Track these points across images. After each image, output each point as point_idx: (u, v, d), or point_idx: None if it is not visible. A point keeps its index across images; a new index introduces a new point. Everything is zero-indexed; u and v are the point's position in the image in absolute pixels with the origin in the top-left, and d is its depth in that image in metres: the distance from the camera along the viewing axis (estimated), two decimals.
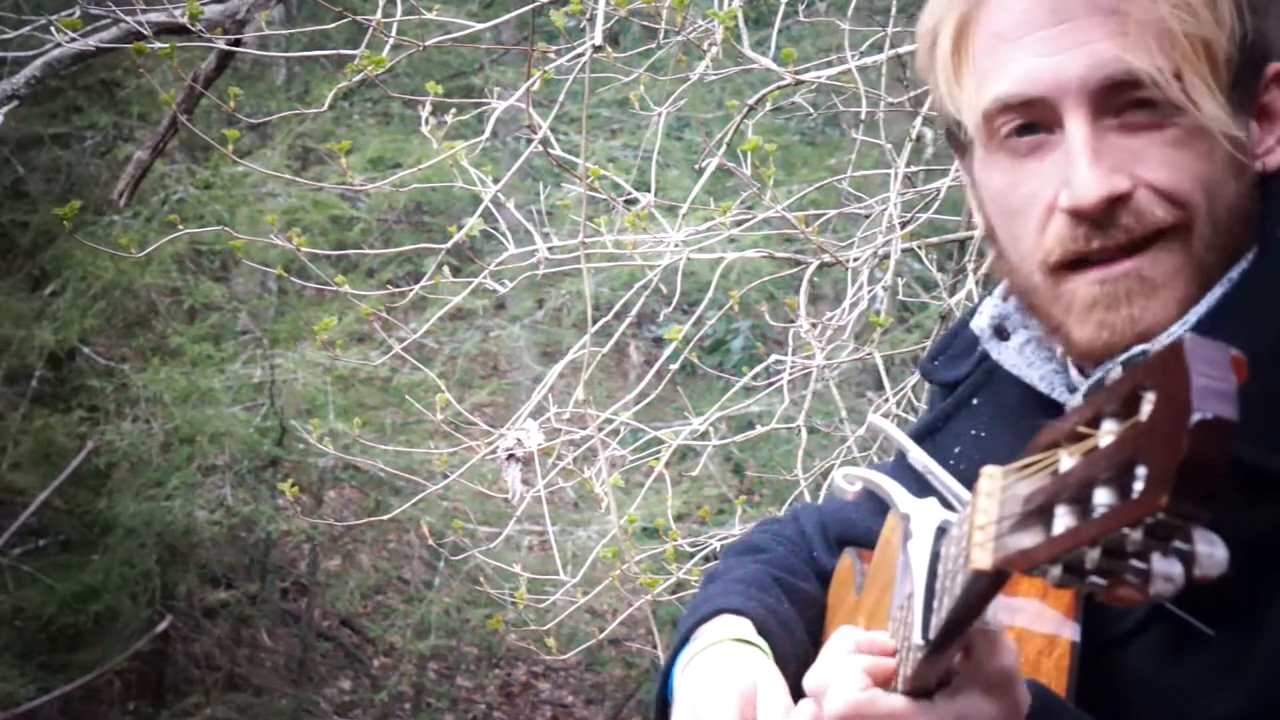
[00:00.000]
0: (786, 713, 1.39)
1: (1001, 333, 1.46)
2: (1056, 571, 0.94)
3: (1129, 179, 1.27)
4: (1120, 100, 1.27)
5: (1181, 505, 0.85)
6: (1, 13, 4.24)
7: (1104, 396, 0.93)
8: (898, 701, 1.15)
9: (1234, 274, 1.32)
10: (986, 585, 1.05)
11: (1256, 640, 1.21)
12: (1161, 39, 1.25)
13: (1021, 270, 1.35)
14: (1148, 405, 0.88)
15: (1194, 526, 0.88)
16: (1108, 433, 0.91)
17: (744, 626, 1.52)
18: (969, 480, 1.09)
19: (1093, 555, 0.91)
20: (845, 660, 1.19)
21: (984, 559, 1.02)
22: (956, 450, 1.47)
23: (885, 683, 1.18)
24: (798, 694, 1.31)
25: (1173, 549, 0.89)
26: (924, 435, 1.53)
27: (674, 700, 1.50)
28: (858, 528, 1.59)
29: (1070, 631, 1.27)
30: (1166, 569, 0.89)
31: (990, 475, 1.05)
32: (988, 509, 1.03)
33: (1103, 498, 0.90)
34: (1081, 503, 0.92)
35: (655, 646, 3.82)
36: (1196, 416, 0.84)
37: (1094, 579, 0.92)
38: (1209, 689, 1.22)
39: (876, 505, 1.30)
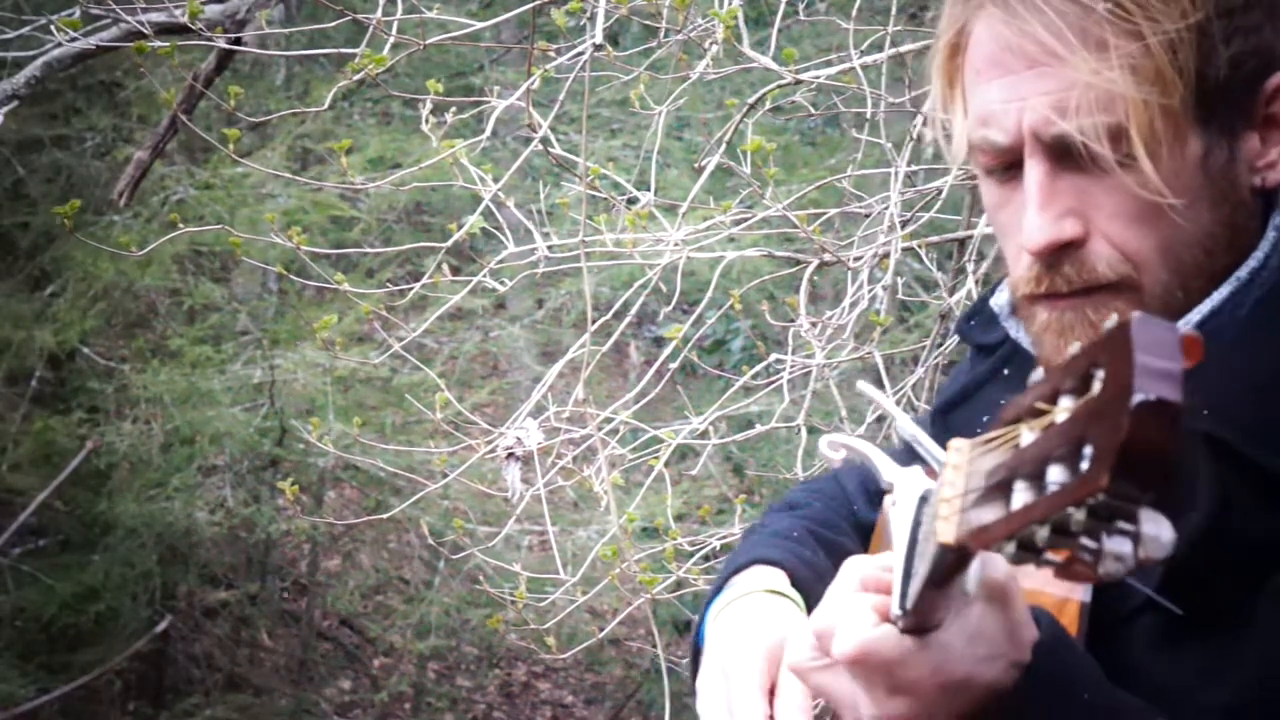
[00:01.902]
0: None
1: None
2: (1011, 548, 0.94)
3: (1082, 224, 1.28)
4: (1075, 149, 1.27)
5: (1122, 486, 0.85)
6: (1, 13, 4.24)
7: (1061, 372, 0.93)
8: (907, 639, 1.13)
9: (1243, 273, 1.32)
10: (953, 559, 1.05)
11: (1249, 637, 1.21)
12: (1107, 97, 1.24)
13: (1010, 280, 1.39)
14: (1098, 383, 0.88)
15: (1139, 507, 0.88)
16: (1063, 409, 0.92)
17: (778, 578, 1.53)
18: None
19: (1042, 533, 0.91)
20: (852, 599, 1.19)
21: (948, 532, 1.02)
22: (985, 419, 1.47)
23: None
24: None
25: (1118, 529, 0.89)
26: (958, 401, 1.54)
27: (704, 649, 1.51)
28: None
29: (1081, 593, 1.27)
30: (1116, 548, 0.89)
31: (957, 448, 1.05)
32: (954, 482, 1.03)
33: (1055, 475, 0.90)
34: (1037, 479, 0.92)
35: (655, 646, 3.82)
36: (1138, 398, 0.84)
37: (1048, 556, 0.92)
38: (1199, 679, 1.23)
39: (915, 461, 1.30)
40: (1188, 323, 1.30)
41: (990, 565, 1.12)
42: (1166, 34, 1.24)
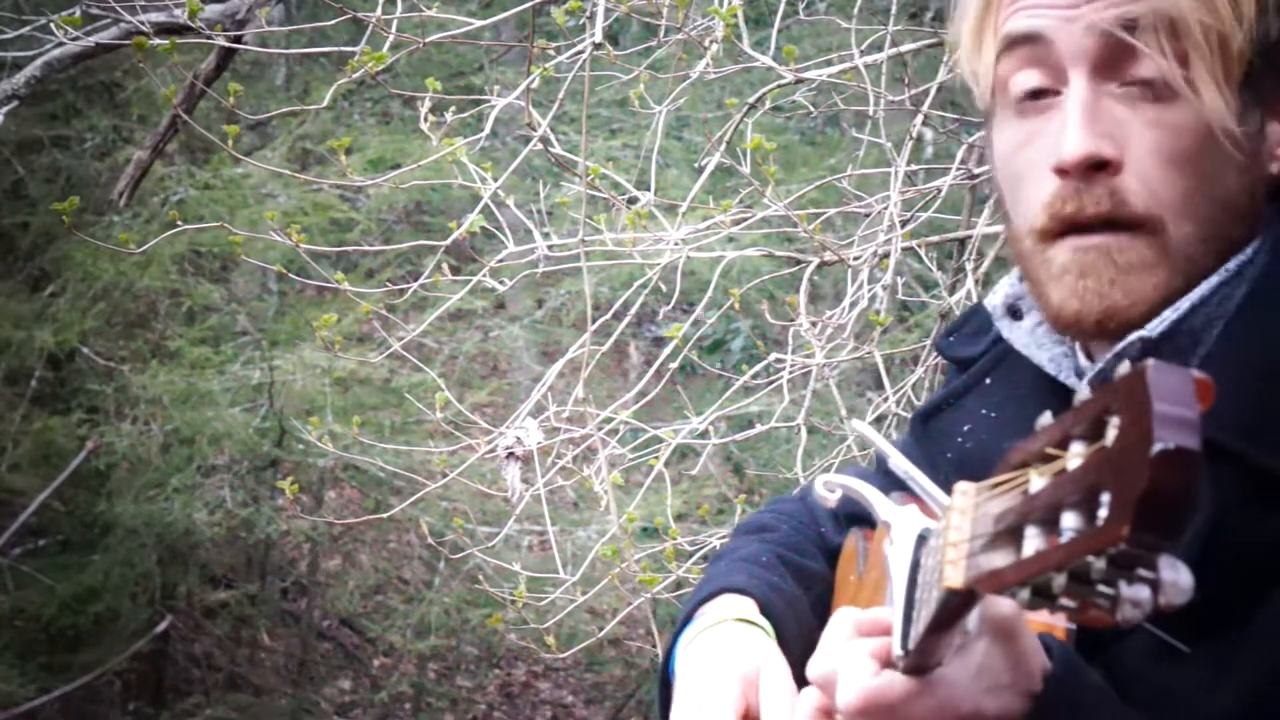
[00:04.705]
0: (789, 696, 1.39)
1: (1015, 312, 1.45)
2: (1025, 594, 0.94)
3: (1118, 149, 1.26)
4: (1125, 72, 1.26)
5: (1143, 536, 0.85)
6: (1, 13, 4.23)
7: (1072, 418, 0.93)
8: (910, 681, 1.13)
9: (1231, 265, 1.30)
10: (959, 602, 1.05)
11: (1255, 643, 1.20)
12: (1174, 23, 1.24)
13: (1018, 236, 1.35)
14: (1113, 430, 0.87)
15: (1158, 555, 0.88)
16: (1075, 455, 0.91)
17: (747, 606, 1.52)
18: (976, 458, 1.09)
19: (1059, 581, 0.91)
20: (850, 647, 1.18)
21: (956, 577, 1.02)
22: (966, 429, 1.46)
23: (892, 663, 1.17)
24: (801, 673, 1.30)
25: (1138, 576, 0.89)
26: (935, 411, 1.53)
27: (675, 681, 1.50)
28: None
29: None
30: (1134, 595, 0.89)
31: (963, 492, 1.05)
32: (960, 526, 1.03)
33: (1070, 521, 0.90)
34: (1049, 525, 0.92)
35: (655, 646, 3.82)
36: (1158, 447, 0.83)
37: (1063, 601, 0.92)
38: (1196, 692, 1.21)
39: (886, 483, 1.28)
40: (1177, 309, 1.29)
41: (994, 602, 1.12)
42: None
